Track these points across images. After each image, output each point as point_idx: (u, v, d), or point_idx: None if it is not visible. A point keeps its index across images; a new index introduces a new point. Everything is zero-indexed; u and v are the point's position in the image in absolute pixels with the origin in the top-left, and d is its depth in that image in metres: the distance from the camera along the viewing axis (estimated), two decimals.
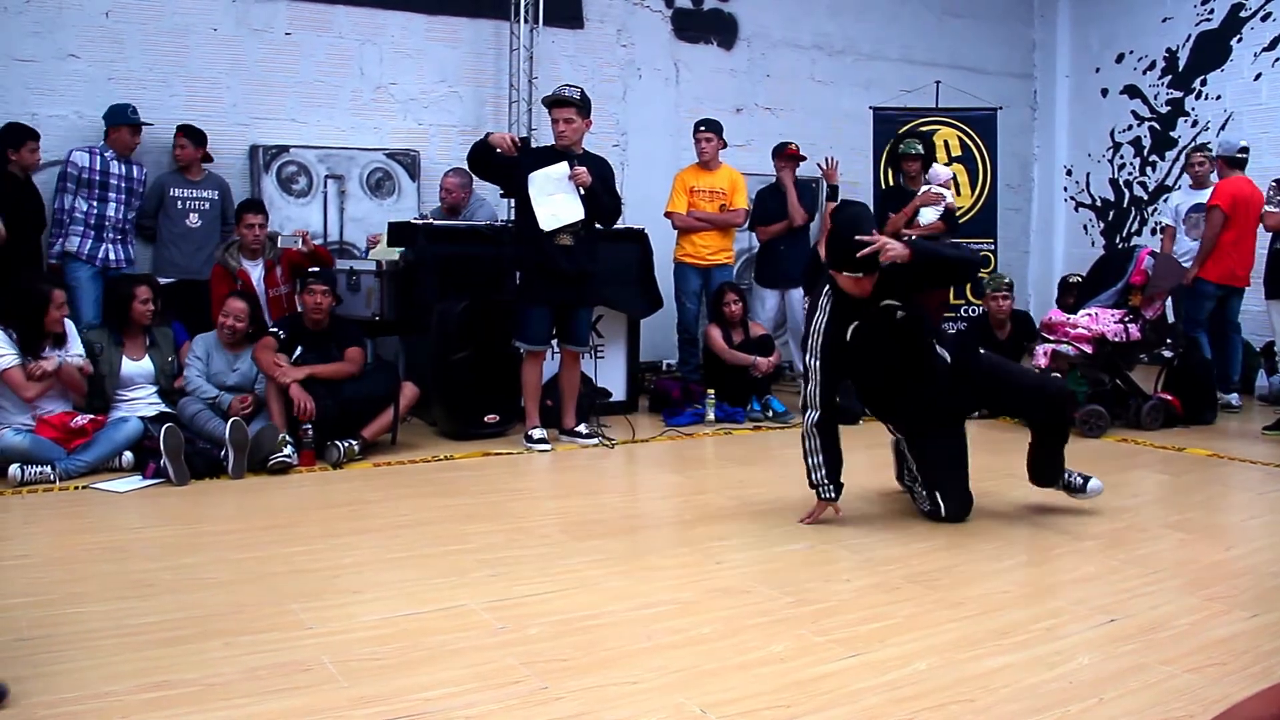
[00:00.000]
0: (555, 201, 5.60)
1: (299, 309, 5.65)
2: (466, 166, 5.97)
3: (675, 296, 7.40)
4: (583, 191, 5.60)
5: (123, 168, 6.34)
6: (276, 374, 5.23)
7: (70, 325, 5.22)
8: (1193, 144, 8.93)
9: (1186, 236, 7.45)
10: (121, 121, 6.33)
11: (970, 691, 2.57)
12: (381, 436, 5.53)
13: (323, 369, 5.36)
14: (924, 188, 7.03)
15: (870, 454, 4.50)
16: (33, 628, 2.93)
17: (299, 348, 5.43)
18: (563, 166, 5.59)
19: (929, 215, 6.99)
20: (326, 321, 5.53)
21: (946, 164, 8.19)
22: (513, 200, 5.87)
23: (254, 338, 5.54)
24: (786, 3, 9.20)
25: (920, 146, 7.17)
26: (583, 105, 5.67)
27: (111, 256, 6.28)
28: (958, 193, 8.07)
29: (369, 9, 7.53)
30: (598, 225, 5.87)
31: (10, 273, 5.47)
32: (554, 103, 5.65)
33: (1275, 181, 6.56)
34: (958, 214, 7.35)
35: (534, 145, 6.30)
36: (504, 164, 5.60)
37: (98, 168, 6.26)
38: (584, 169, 5.59)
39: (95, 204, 6.22)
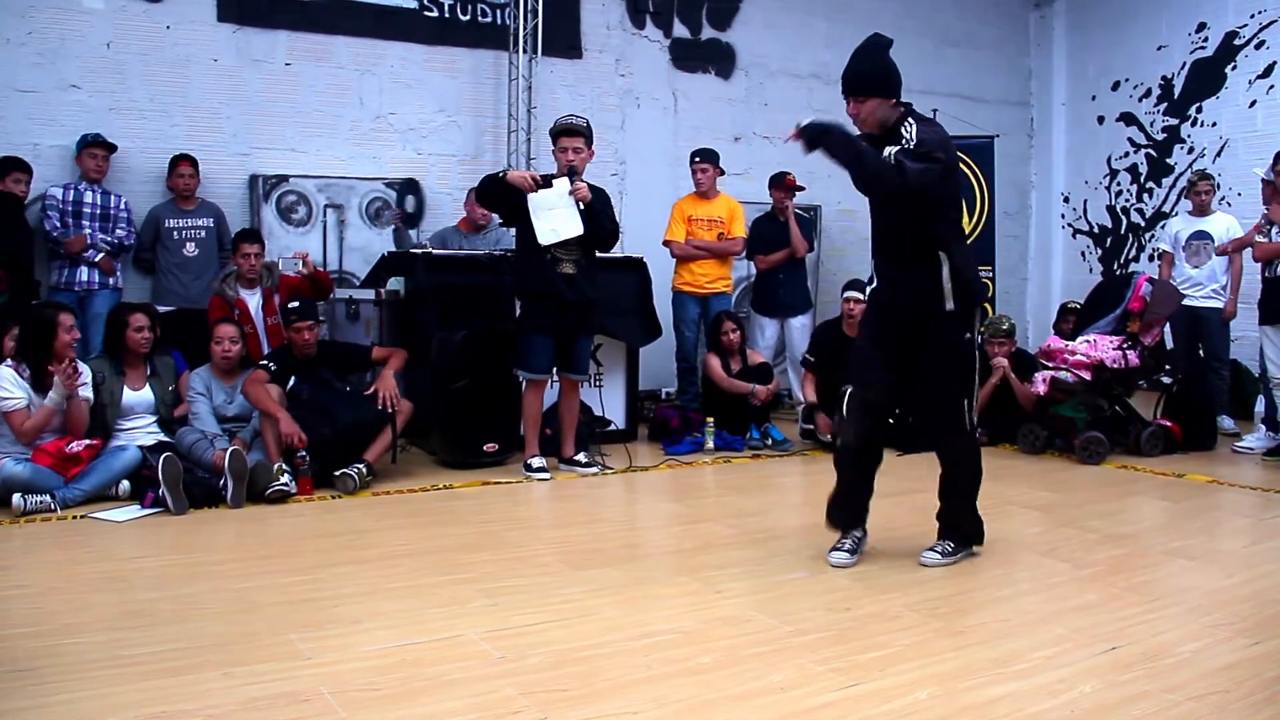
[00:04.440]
0: (555, 216, 5.59)
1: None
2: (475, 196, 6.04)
3: (674, 325, 7.42)
4: (582, 207, 5.61)
5: (98, 196, 6.43)
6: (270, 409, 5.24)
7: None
8: (1191, 170, 8.93)
9: (1186, 264, 7.43)
10: (85, 144, 6.43)
11: None
12: (383, 457, 5.53)
13: (391, 367, 5.57)
14: None
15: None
16: (30, 658, 2.92)
17: (292, 378, 5.44)
18: (563, 183, 5.61)
19: None
20: (315, 350, 5.55)
21: None
22: (513, 229, 5.90)
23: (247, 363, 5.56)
24: (784, 32, 9.27)
25: None
26: (589, 135, 5.71)
27: (84, 278, 6.33)
28: None
29: (368, 39, 7.60)
30: (597, 251, 5.87)
31: (14, 295, 5.47)
32: (561, 131, 5.67)
33: (1267, 212, 6.55)
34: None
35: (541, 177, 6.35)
36: (516, 200, 5.63)
37: (70, 199, 6.37)
38: (584, 184, 5.60)
39: (69, 229, 6.29)
